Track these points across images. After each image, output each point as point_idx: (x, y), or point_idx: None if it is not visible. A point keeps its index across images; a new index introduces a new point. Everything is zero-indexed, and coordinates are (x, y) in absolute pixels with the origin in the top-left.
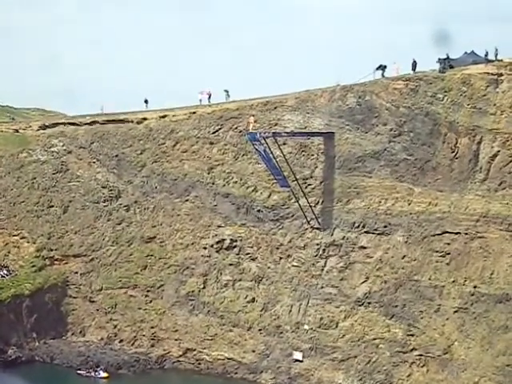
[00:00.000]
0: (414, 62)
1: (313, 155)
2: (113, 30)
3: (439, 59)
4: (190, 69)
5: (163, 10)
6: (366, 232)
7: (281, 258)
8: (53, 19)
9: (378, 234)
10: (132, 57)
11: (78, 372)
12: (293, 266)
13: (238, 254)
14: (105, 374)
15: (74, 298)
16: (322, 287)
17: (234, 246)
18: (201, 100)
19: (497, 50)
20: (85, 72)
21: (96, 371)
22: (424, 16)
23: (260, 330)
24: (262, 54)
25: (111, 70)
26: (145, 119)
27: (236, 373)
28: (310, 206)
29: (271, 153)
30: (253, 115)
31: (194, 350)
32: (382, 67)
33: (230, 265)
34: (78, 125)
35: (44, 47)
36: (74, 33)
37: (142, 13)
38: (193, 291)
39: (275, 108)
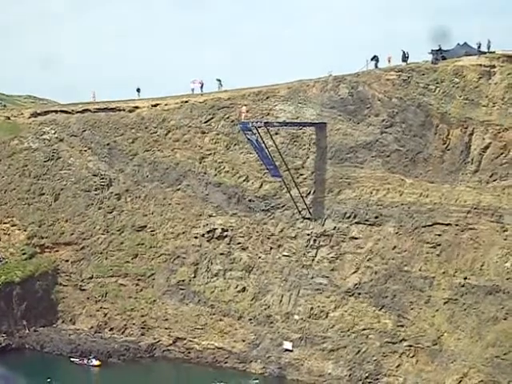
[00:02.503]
0: (404, 53)
1: (305, 145)
2: (108, 21)
3: (432, 50)
4: (183, 58)
5: (162, 6)
6: (356, 223)
7: (272, 248)
8: (51, 14)
9: (369, 224)
10: (125, 46)
11: (72, 359)
12: (283, 255)
13: (228, 244)
14: (97, 362)
15: (65, 286)
16: (313, 277)
17: (225, 236)
18: (193, 89)
19: (489, 41)
20: (79, 62)
21: (89, 359)
22: (419, 9)
23: (250, 319)
24: (255, 45)
25: (104, 59)
26: (137, 108)
27: (226, 362)
28: (302, 196)
29: (263, 142)
30: (245, 105)
31: (184, 339)
32: (376, 58)
33: (221, 254)
34: (69, 113)
35: (41, 41)
36: (72, 27)
37: (141, 9)
38: (183, 280)
39: (267, 98)
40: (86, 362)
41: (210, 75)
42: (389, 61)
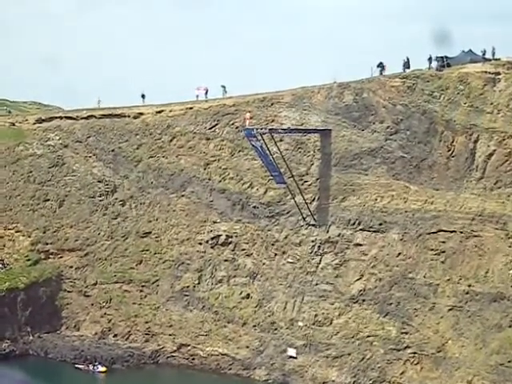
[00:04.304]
0: (408, 60)
1: (309, 152)
2: (112, 25)
3: (436, 57)
4: (184, 59)
5: (163, 6)
6: (361, 229)
7: (276, 255)
8: (51, 14)
9: (374, 231)
10: (130, 52)
11: (76, 366)
12: (288, 262)
13: (233, 250)
14: (103, 369)
15: (69, 292)
16: (317, 284)
17: (230, 242)
18: (198, 96)
19: (494, 48)
20: (82, 66)
21: (94, 365)
22: (423, 14)
23: (254, 326)
24: (260, 51)
25: (104, 59)
26: (141, 114)
27: (230, 369)
28: (306, 203)
29: (268, 149)
30: (249, 111)
31: (188, 345)
32: (382, 65)
33: (225, 261)
34: (74, 119)
35: (41, 42)
36: (74, 29)
37: (141, 10)
38: (188, 287)
39: (272, 104)
40: (91, 368)
41: (210, 76)
42: (384, 69)
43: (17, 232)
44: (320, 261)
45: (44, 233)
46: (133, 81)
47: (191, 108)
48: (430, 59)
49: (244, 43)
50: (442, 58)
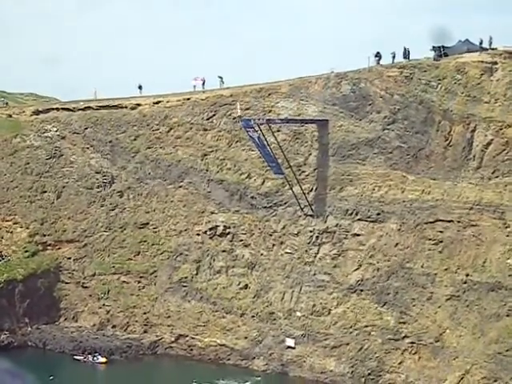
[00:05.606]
0: (405, 49)
1: (307, 142)
2: (112, 25)
3: (433, 47)
4: (184, 58)
5: (163, 6)
6: (359, 219)
7: (274, 245)
8: (51, 14)
9: (371, 221)
10: (130, 52)
11: (75, 357)
12: (286, 252)
13: (231, 241)
14: (103, 359)
15: (67, 283)
16: (315, 274)
17: (228, 233)
18: (195, 86)
19: (491, 38)
20: (82, 66)
21: (94, 356)
22: (423, 6)
23: (253, 316)
24: (260, 50)
25: (104, 59)
26: (139, 105)
27: (228, 359)
28: (304, 193)
29: (265, 140)
30: (240, 102)
31: (187, 336)
32: (379, 55)
33: (223, 251)
34: (71, 110)
35: (42, 42)
36: (74, 29)
37: (141, 10)
38: (186, 277)
39: (269, 95)
40: (91, 359)
41: (211, 73)
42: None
43: (15, 224)
44: (318, 251)
45: (42, 224)
46: (132, 80)
47: (188, 99)
48: (405, 51)
49: (244, 43)
50: (439, 47)
